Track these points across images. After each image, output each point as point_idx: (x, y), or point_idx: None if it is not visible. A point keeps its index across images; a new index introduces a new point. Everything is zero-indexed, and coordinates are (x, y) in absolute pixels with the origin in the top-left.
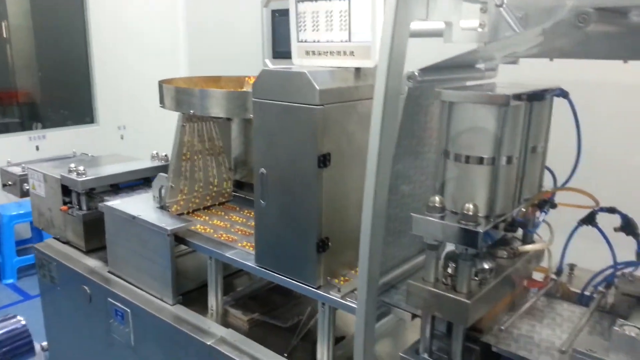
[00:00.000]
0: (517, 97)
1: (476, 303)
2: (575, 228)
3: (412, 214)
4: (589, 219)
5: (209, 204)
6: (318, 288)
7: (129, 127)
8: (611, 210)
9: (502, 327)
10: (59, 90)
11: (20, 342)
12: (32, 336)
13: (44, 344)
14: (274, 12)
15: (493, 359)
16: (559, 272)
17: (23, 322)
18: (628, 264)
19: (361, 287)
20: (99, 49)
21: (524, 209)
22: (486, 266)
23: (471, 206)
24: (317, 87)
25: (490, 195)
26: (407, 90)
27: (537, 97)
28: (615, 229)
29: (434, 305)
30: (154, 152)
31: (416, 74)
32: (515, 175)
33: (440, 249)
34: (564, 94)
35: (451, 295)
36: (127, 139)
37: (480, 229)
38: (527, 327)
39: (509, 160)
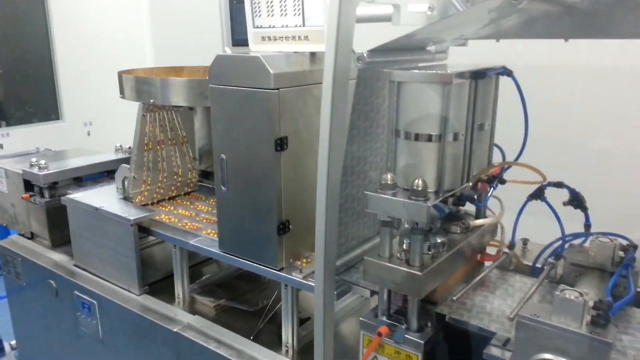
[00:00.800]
0: (460, 75)
1: (428, 275)
2: (525, 203)
3: (365, 192)
4: (538, 194)
5: (174, 194)
6: (280, 270)
7: (96, 123)
8: (559, 184)
9: (454, 298)
10: (22, 88)
11: None
12: (1, 336)
13: (13, 342)
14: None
15: (450, 330)
16: (511, 245)
17: None
18: (576, 235)
19: (318, 266)
20: (63, 45)
21: (472, 184)
22: (439, 240)
23: (420, 182)
24: (271, 71)
25: (439, 171)
26: (358, 72)
27: (480, 75)
28: (564, 203)
29: (388, 280)
30: (118, 144)
31: (365, 55)
32: (463, 152)
33: (395, 225)
34: (507, 72)
35: (404, 269)
36: (94, 135)
37: (428, 203)
38: (480, 298)
39: (455, 137)
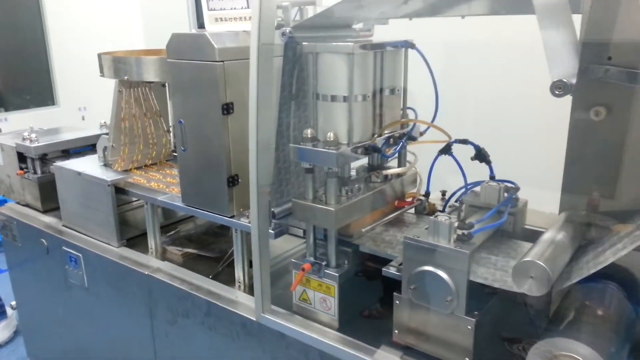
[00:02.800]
0: (363, 47)
1: (340, 211)
2: (436, 157)
3: (290, 144)
4: (446, 150)
5: (149, 163)
6: (231, 217)
7: (90, 108)
8: (464, 141)
9: (363, 230)
10: (19, 76)
11: None
12: (3, 301)
13: (13, 303)
14: None
15: (366, 266)
16: (426, 194)
17: None
18: (475, 183)
19: (252, 208)
20: (56, 33)
21: (384, 139)
22: (356, 185)
23: (332, 135)
24: (216, 46)
25: (349, 126)
26: (284, 46)
27: (379, 47)
28: (472, 158)
29: (310, 216)
30: (102, 121)
31: (287, 30)
32: (372, 111)
33: (316, 172)
34: (409, 45)
35: (321, 206)
36: (88, 119)
37: (335, 151)
38: (391, 234)
39: (364, 97)
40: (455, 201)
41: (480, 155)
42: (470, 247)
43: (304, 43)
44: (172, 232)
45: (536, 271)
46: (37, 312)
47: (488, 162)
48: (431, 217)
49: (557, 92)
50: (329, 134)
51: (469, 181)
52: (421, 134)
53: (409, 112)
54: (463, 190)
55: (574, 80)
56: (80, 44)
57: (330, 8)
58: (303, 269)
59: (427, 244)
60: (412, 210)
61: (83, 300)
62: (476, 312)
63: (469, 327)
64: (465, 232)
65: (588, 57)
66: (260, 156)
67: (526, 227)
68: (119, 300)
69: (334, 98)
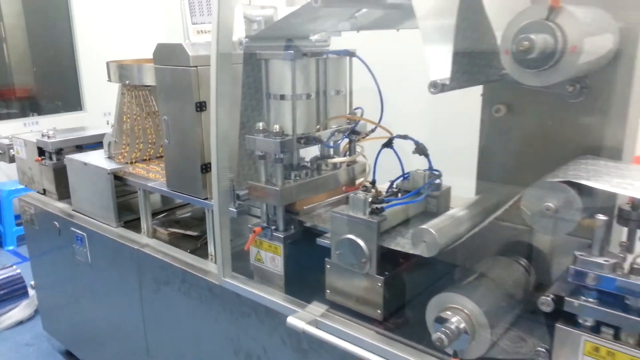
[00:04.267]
0: (304, 54)
1: (285, 191)
2: (380, 150)
3: (246, 135)
4: (388, 144)
5: (148, 158)
6: (205, 199)
7: (114, 113)
8: (404, 137)
9: (305, 207)
10: (51, 83)
11: (16, 287)
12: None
13: (32, 282)
14: None
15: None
16: (372, 182)
17: (18, 271)
18: (410, 173)
19: (214, 188)
20: (84, 41)
21: (328, 132)
22: (304, 171)
23: (277, 127)
24: (190, 54)
25: (293, 120)
26: (243, 55)
27: (320, 55)
28: (413, 152)
29: (262, 195)
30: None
31: (243, 41)
32: (316, 108)
33: (273, 159)
34: (350, 53)
35: (269, 187)
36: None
37: (279, 140)
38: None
39: (308, 96)
40: (395, 187)
41: (420, 149)
42: (379, 218)
43: (257, 51)
44: (162, 215)
45: (428, 237)
46: (51, 288)
47: (426, 155)
48: (351, 194)
49: (432, 90)
50: (275, 126)
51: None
52: (372, 131)
53: (358, 111)
54: (400, 178)
55: (447, 82)
56: (107, 52)
57: (277, 22)
58: (254, 231)
59: (347, 216)
60: None
61: (87, 275)
62: (386, 273)
63: (379, 284)
64: (378, 206)
65: (484, 62)
66: (220, 146)
67: (451, 208)
68: (115, 274)
69: (282, 97)
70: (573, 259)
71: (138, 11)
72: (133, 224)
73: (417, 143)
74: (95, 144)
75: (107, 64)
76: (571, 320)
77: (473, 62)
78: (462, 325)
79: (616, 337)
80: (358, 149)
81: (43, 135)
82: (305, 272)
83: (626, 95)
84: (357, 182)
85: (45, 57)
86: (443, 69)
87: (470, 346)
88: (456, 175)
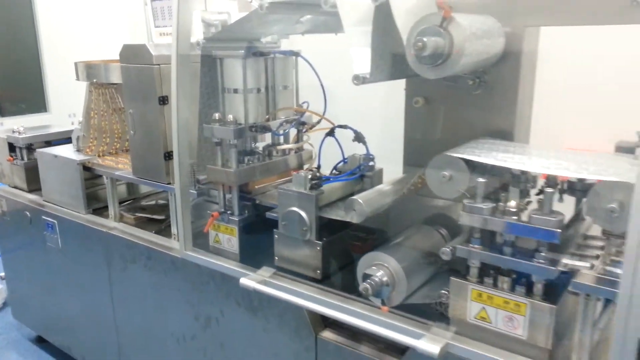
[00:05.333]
0: (253, 54)
1: (238, 173)
2: (324, 138)
3: (204, 125)
4: (330, 133)
5: (114, 151)
6: (167, 184)
7: (79, 114)
8: (344, 126)
9: (257, 187)
10: (15, 85)
11: None
12: None
13: (2, 274)
14: None
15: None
16: (318, 166)
17: None
18: (349, 157)
19: (175, 172)
20: (48, 42)
21: (275, 122)
22: (257, 156)
23: (231, 117)
24: (153, 54)
25: (245, 111)
26: (201, 54)
27: (266, 54)
28: (353, 140)
29: (219, 177)
30: (78, 120)
31: (200, 42)
32: (265, 101)
33: (228, 145)
34: (294, 54)
35: (224, 169)
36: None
37: (232, 128)
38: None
39: (258, 90)
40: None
41: (358, 137)
42: (317, 192)
43: (213, 51)
44: (128, 202)
45: (357, 206)
46: (22, 277)
47: (364, 142)
48: (294, 173)
49: (355, 82)
50: (229, 116)
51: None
52: (318, 122)
53: (304, 104)
54: (341, 162)
55: (367, 76)
56: (72, 54)
57: (230, 25)
58: (213, 216)
59: (291, 191)
60: None
61: (58, 261)
62: (324, 239)
63: (318, 248)
64: (316, 182)
65: (397, 60)
66: (180, 135)
67: None
68: (84, 257)
69: (234, 91)
70: (462, 205)
71: (102, 15)
72: (101, 212)
73: (355, 132)
74: (63, 139)
75: (76, 63)
76: (464, 274)
77: (387, 60)
78: (385, 279)
79: (495, 286)
80: (305, 138)
81: (14, 132)
82: (258, 249)
83: (515, 88)
84: (305, 167)
85: (9, 59)
86: (365, 66)
87: (391, 295)
88: (390, 159)
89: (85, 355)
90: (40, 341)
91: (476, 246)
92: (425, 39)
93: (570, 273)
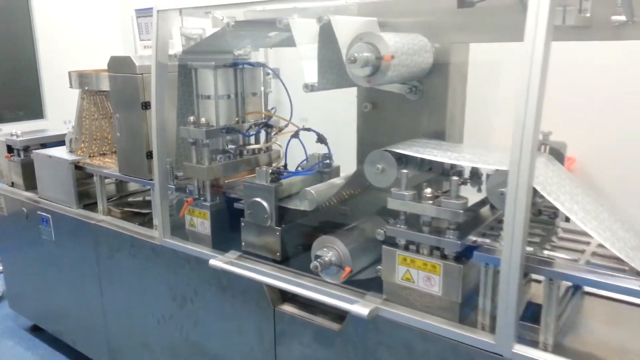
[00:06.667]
0: (225, 65)
1: (210, 169)
2: (289, 140)
3: (181, 127)
4: (295, 135)
5: (105, 152)
6: (149, 180)
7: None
8: (307, 129)
9: (227, 182)
10: (14, 94)
11: None
12: None
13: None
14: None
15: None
16: (284, 165)
17: None
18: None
19: (155, 169)
20: (46, 55)
21: (245, 124)
22: (228, 155)
23: (204, 119)
24: (137, 64)
25: (216, 115)
26: (178, 65)
27: (234, 65)
28: (316, 141)
29: (193, 172)
30: (71, 124)
31: (177, 54)
32: (235, 106)
33: (201, 144)
34: (260, 65)
35: (197, 165)
36: None
37: (205, 129)
38: None
39: (228, 97)
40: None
41: (320, 139)
42: (276, 184)
43: (188, 62)
44: (116, 198)
45: (309, 195)
46: (18, 269)
47: (326, 143)
48: (257, 168)
49: (305, 90)
50: (202, 119)
51: None
52: (285, 126)
53: (273, 110)
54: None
55: (316, 84)
56: (66, 63)
57: (204, 40)
58: (187, 201)
59: (254, 184)
60: None
61: (51, 251)
62: (283, 225)
63: (277, 233)
64: (275, 176)
65: (341, 72)
66: (159, 136)
67: None
68: (75, 247)
69: (207, 97)
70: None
71: (96, 27)
72: (91, 207)
73: (318, 134)
74: (57, 142)
75: (69, 73)
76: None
77: (332, 71)
78: (333, 259)
79: (417, 252)
80: (274, 140)
81: (12, 135)
82: (228, 236)
83: (445, 95)
84: (273, 165)
85: (8, 69)
86: (314, 76)
87: (339, 272)
88: (352, 158)
89: (75, 339)
90: (35, 330)
91: (402, 226)
92: (356, 54)
93: (479, 246)
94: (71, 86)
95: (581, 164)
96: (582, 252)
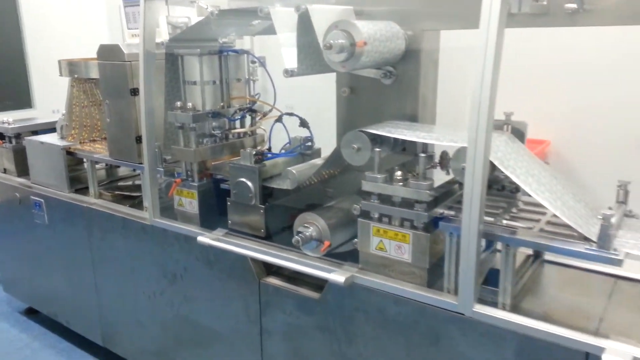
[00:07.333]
0: (210, 52)
1: (197, 151)
2: (273, 124)
3: (168, 112)
4: (279, 119)
5: (94, 139)
6: (139, 164)
7: (62, 110)
8: (290, 113)
9: (213, 164)
10: (1, 83)
11: None
12: None
13: None
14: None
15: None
16: (269, 148)
17: None
18: (293, 138)
19: (144, 152)
20: (34, 44)
21: (231, 109)
22: (214, 138)
23: (190, 104)
24: (125, 52)
25: (202, 99)
26: (165, 53)
27: (219, 52)
28: (299, 125)
29: (180, 155)
30: (62, 112)
31: (164, 42)
32: (221, 91)
33: (188, 128)
34: (243, 52)
35: (185, 148)
36: None
37: (191, 114)
38: None
39: (214, 82)
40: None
41: (303, 123)
42: (260, 165)
43: (175, 50)
44: (106, 183)
45: (290, 175)
46: (12, 254)
47: (308, 127)
48: (242, 150)
49: (285, 75)
50: (189, 104)
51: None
52: (270, 111)
53: (257, 95)
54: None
55: (295, 70)
56: (54, 52)
57: (189, 28)
58: (176, 182)
59: (239, 165)
60: None
61: (45, 235)
62: (267, 203)
63: (261, 211)
64: (259, 157)
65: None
66: (148, 120)
67: None
68: (68, 230)
69: (193, 83)
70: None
71: (83, 17)
72: (83, 192)
73: (301, 119)
74: (48, 129)
75: (59, 61)
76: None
77: (311, 57)
78: (313, 234)
79: (389, 223)
80: (259, 124)
81: (3, 123)
82: (215, 216)
83: (417, 80)
84: (258, 148)
85: None
86: (294, 62)
87: (319, 246)
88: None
89: (69, 319)
90: (29, 312)
91: (375, 202)
92: (332, 41)
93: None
94: (61, 74)
95: (555, 147)
96: (538, 221)
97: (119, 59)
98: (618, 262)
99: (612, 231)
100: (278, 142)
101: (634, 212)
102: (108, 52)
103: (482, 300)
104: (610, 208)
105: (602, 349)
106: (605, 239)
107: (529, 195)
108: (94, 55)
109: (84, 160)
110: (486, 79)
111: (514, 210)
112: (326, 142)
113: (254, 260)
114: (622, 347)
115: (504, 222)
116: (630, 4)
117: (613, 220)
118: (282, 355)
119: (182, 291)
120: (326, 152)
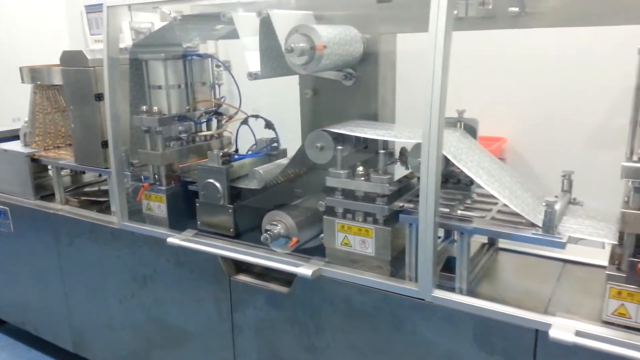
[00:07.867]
0: (174, 57)
1: (164, 155)
2: (239, 126)
3: (134, 116)
4: (245, 122)
5: (59, 145)
6: (106, 168)
7: (24, 119)
8: (256, 115)
9: (180, 166)
10: None
11: None
12: None
13: None
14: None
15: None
16: (236, 150)
17: None
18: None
19: (111, 157)
20: None
21: (196, 112)
22: (181, 141)
23: (156, 108)
24: (89, 58)
25: (168, 103)
26: (129, 58)
27: (182, 57)
28: (264, 127)
29: (147, 158)
30: (25, 119)
31: (127, 48)
32: (186, 95)
33: (154, 132)
34: (208, 56)
35: (152, 152)
36: None
37: (157, 117)
38: None
39: (179, 86)
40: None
41: (268, 124)
42: (227, 166)
43: (139, 55)
44: (72, 189)
45: (257, 175)
46: None
47: (273, 129)
48: (209, 152)
49: (249, 77)
50: (154, 108)
51: None
52: (235, 114)
53: (222, 99)
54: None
55: (259, 72)
56: (13, 60)
57: (153, 33)
58: (144, 186)
59: (207, 166)
60: None
61: (10, 243)
62: (235, 203)
63: (230, 211)
64: (226, 158)
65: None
66: (114, 125)
67: None
68: (34, 237)
69: (158, 87)
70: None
71: (42, 24)
72: (48, 199)
73: (266, 120)
74: (10, 137)
75: (21, 68)
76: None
77: (273, 60)
78: (281, 231)
79: (353, 219)
80: (225, 127)
81: None
82: (184, 218)
83: (375, 81)
84: (225, 150)
85: None
86: (257, 65)
87: (287, 242)
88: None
89: (38, 327)
90: None
91: (340, 197)
92: (293, 45)
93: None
94: (23, 81)
95: (511, 144)
96: (490, 210)
97: (83, 65)
98: (562, 245)
99: (555, 217)
100: (245, 144)
101: (579, 200)
102: (72, 58)
103: (440, 286)
104: (556, 197)
105: (549, 325)
106: (549, 224)
107: (482, 188)
108: (55, 62)
109: (49, 167)
110: (436, 79)
111: (468, 201)
112: (291, 142)
113: (224, 258)
114: (567, 323)
115: (459, 212)
116: (566, 8)
117: (557, 207)
118: (254, 350)
119: (153, 294)
120: (292, 152)
